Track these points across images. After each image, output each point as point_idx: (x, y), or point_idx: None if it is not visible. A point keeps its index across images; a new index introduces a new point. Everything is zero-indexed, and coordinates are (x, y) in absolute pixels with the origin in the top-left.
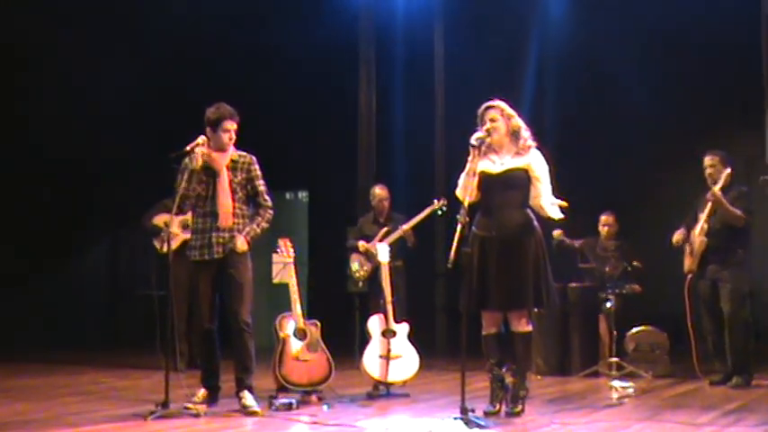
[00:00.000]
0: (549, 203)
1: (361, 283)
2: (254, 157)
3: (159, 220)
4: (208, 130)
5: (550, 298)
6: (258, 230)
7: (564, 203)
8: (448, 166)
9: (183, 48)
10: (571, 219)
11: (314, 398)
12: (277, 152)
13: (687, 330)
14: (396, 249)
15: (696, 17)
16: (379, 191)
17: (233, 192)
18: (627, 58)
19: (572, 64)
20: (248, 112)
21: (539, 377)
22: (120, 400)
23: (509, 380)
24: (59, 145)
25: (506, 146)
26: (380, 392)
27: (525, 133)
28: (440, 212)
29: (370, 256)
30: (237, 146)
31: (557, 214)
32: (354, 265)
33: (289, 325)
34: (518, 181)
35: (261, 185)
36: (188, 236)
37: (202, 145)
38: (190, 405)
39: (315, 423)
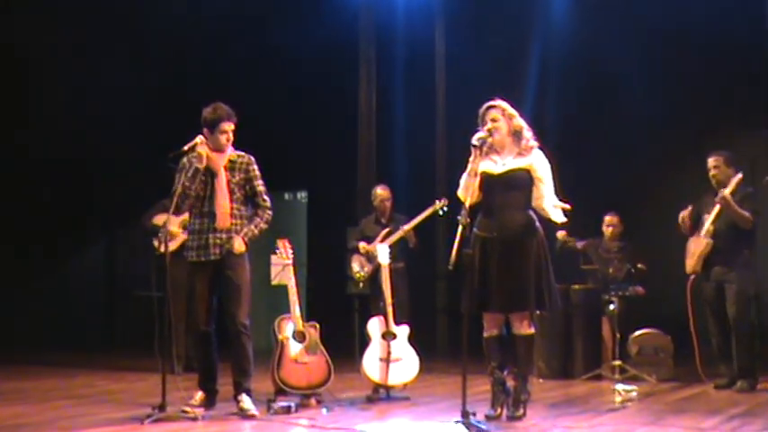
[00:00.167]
0: (551, 206)
1: (361, 285)
2: (252, 157)
3: (159, 219)
4: (205, 130)
5: (553, 300)
6: (256, 231)
7: (567, 206)
8: (449, 167)
9: (182, 47)
10: (573, 220)
11: (313, 401)
12: (276, 152)
13: (690, 333)
14: (397, 250)
15: (698, 16)
16: (380, 191)
17: (231, 192)
18: (629, 58)
19: (573, 63)
20: (247, 112)
21: (541, 380)
22: (115, 404)
23: (511, 383)
24: (57, 145)
25: (508, 146)
26: (380, 396)
27: (527, 133)
28: (441, 213)
29: (370, 257)
30: (236, 145)
31: (559, 217)
32: (355, 266)
33: (287, 327)
34: (520, 182)
35: (259, 186)
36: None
37: (202, 144)
38: (187, 408)
39: (314, 427)
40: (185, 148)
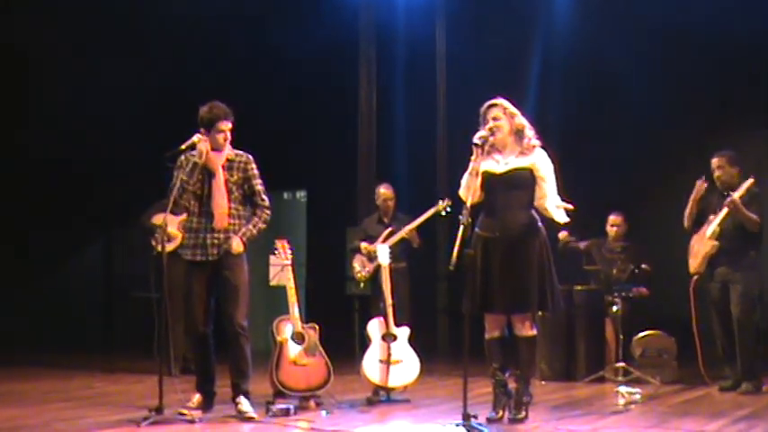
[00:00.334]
0: (553, 206)
1: (362, 284)
2: (250, 157)
3: (158, 219)
4: (202, 130)
5: (555, 301)
6: (254, 231)
7: (569, 206)
8: (449, 166)
9: (182, 46)
10: (576, 220)
11: (312, 403)
12: (275, 151)
13: (692, 333)
14: (398, 250)
15: (699, 16)
16: (384, 190)
17: (229, 192)
18: (630, 58)
19: (575, 63)
20: (246, 111)
21: (543, 382)
22: (112, 406)
23: (512, 385)
24: (55, 144)
25: (510, 145)
26: (380, 398)
27: (529, 132)
28: (444, 213)
29: (372, 257)
30: (234, 144)
31: (561, 218)
32: (356, 266)
33: (286, 328)
34: (522, 181)
35: (258, 185)
36: None
37: (201, 141)
38: (184, 411)
39: (313, 429)
40: (183, 146)
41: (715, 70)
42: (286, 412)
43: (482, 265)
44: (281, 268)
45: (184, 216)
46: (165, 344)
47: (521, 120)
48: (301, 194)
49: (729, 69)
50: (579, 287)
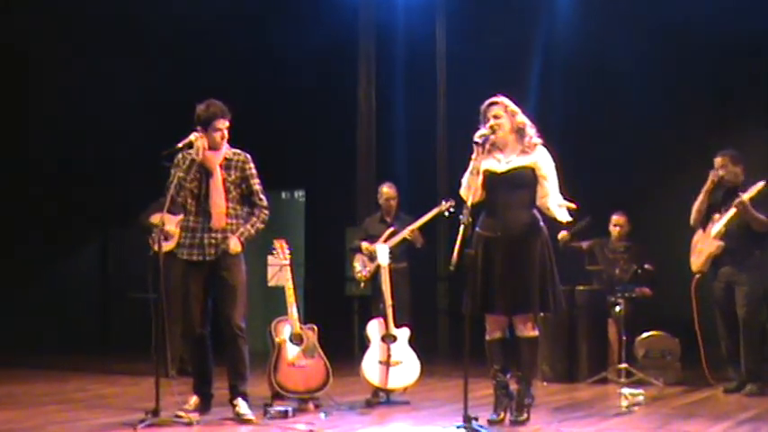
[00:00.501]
0: (555, 205)
1: (362, 284)
2: (248, 156)
3: (156, 218)
4: (199, 128)
5: (557, 301)
6: (252, 231)
7: (572, 205)
8: (450, 165)
9: (181, 46)
10: (578, 220)
11: (311, 405)
12: (273, 150)
13: (695, 334)
14: (399, 251)
15: (702, 15)
16: (387, 189)
17: (226, 191)
18: (633, 56)
19: (576, 62)
20: (244, 109)
21: (545, 384)
22: (108, 408)
23: (514, 387)
24: (53, 144)
25: (511, 144)
26: (380, 400)
27: (531, 130)
28: (447, 214)
29: (373, 256)
30: (232, 143)
31: (564, 216)
32: (357, 266)
33: (284, 329)
34: (524, 180)
35: (256, 184)
36: None
37: (197, 140)
38: (181, 413)
39: None
40: (180, 144)
41: (716, 70)
42: (284, 414)
43: (483, 266)
44: (280, 268)
45: (183, 216)
46: (162, 345)
47: (521, 118)
48: (300, 194)
49: (730, 69)
50: (581, 287)
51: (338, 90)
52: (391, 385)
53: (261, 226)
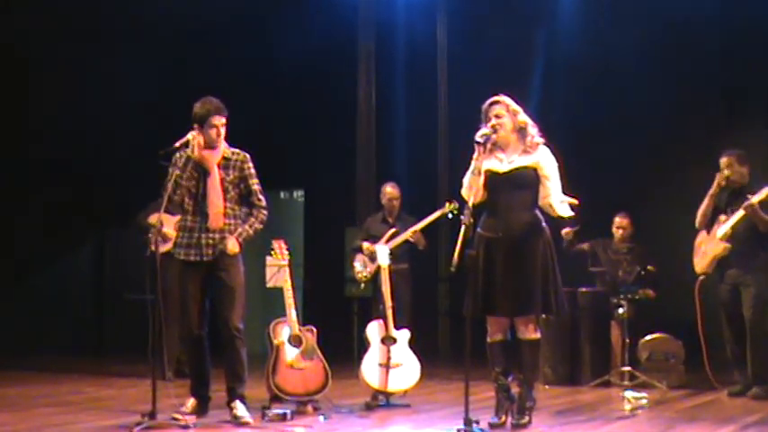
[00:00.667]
0: (558, 201)
1: (362, 285)
2: (247, 155)
3: (155, 218)
4: (195, 126)
5: (559, 303)
6: (251, 232)
7: (574, 201)
8: (451, 165)
9: (180, 45)
10: (581, 221)
11: (309, 408)
12: (272, 149)
13: (698, 336)
14: (401, 252)
15: (706, 15)
16: (390, 189)
17: (224, 191)
18: (636, 55)
19: (579, 60)
20: (242, 107)
21: (546, 387)
22: (103, 411)
23: (515, 390)
24: (51, 144)
25: (513, 143)
26: (380, 403)
27: (532, 130)
28: (450, 216)
29: (374, 257)
30: (231, 142)
31: (566, 212)
32: (357, 266)
33: (283, 331)
34: (526, 180)
35: (254, 184)
36: None
37: (194, 138)
38: (178, 416)
39: None
40: (177, 144)
41: (718, 69)
42: (283, 417)
43: (484, 267)
44: (278, 269)
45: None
46: (159, 347)
47: (523, 117)
48: (299, 194)
49: (733, 69)
50: (584, 289)
51: (338, 89)
52: (391, 388)
53: (259, 226)
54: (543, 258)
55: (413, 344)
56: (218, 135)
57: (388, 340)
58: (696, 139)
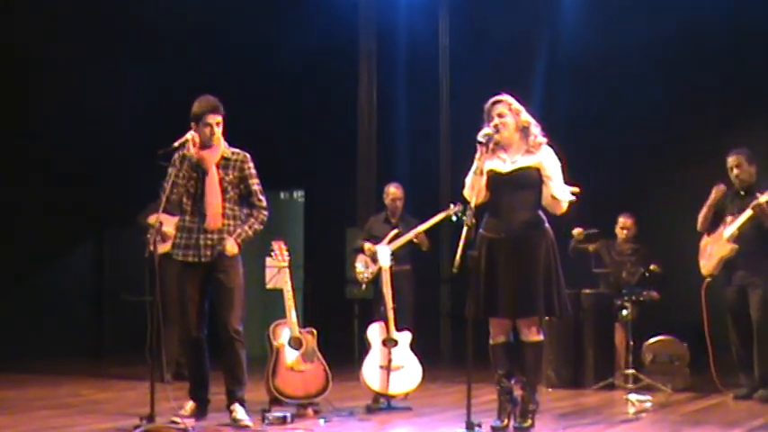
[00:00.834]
0: (559, 189)
1: (364, 286)
2: (247, 155)
3: (154, 219)
4: (192, 125)
5: (562, 305)
6: (250, 232)
7: (575, 189)
8: (453, 165)
9: (180, 45)
10: (583, 221)
11: (310, 411)
12: (272, 149)
13: (704, 338)
14: (403, 253)
15: (707, 15)
16: (393, 189)
17: (223, 191)
18: (641, 53)
19: (583, 58)
20: (243, 107)
21: (550, 390)
22: (101, 414)
23: (518, 392)
24: (50, 144)
25: (516, 143)
26: (381, 405)
27: (535, 129)
28: (454, 218)
29: (375, 257)
30: (231, 142)
31: (566, 196)
32: (359, 266)
33: (283, 333)
34: (529, 180)
35: (255, 185)
36: None
37: (192, 138)
38: (177, 419)
39: None
40: (176, 144)
41: (721, 70)
42: (283, 420)
43: (486, 268)
44: (278, 271)
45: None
46: (158, 349)
47: (526, 116)
48: (299, 194)
49: (736, 68)
50: (588, 290)
51: (338, 89)
52: (392, 390)
53: (259, 227)
54: (546, 259)
55: (414, 346)
56: (212, 133)
57: (389, 342)
58: (696, 139)
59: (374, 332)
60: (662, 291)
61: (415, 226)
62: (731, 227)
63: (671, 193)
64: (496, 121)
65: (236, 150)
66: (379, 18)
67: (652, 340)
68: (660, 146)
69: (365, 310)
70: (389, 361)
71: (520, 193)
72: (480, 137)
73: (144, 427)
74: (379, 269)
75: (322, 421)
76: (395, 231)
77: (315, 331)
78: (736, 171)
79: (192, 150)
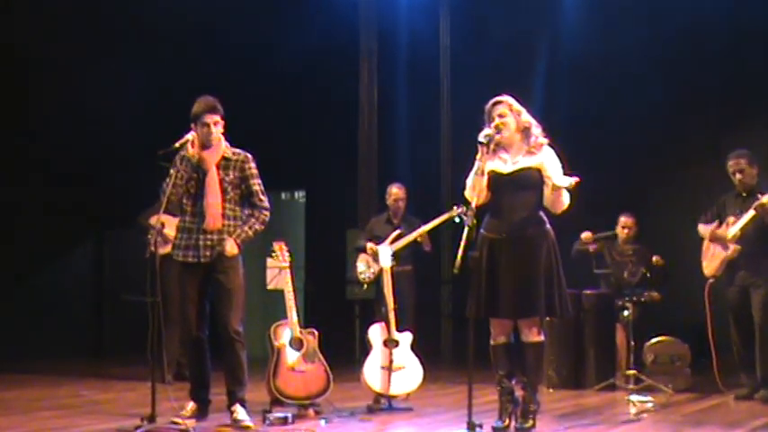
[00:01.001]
0: (558, 177)
1: (365, 286)
2: (249, 155)
3: (155, 219)
4: (192, 125)
5: (563, 305)
6: (250, 233)
7: (576, 179)
8: (454, 166)
9: (180, 45)
10: (585, 221)
11: (311, 412)
12: (272, 149)
13: (708, 340)
14: (405, 254)
15: (710, 15)
16: (396, 190)
17: (223, 191)
18: (641, 53)
19: (583, 58)
20: (243, 107)
21: (551, 390)
22: (102, 414)
23: (519, 393)
24: (49, 143)
25: (517, 143)
26: (382, 406)
27: (536, 130)
28: (457, 220)
29: (377, 257)
30: (232, 143)
31: (564, 182)
32: (361, 266)
33: (284, 334)
34: (530, 181)
35: (256, 185)
36: None
37: (193, 138)
38: (178, 419)
39: None
40: (176, 144)
41: (721, 70)
42: (284, 421)
43: (487, 268)
44: (279, 271)
45: None
46: (159, 349)
47: (527, 117)
48: (300, 195)
49: (735, 69)
50: (589, 291)
51: (339, 89)
52: (393, 391)
53: (259, 227)
54: (547, 260)
55: (415, 346)
56: (210, 133)
57: (390, 343)
58: (696, 139)
59: (375, 333)
60: (665, 284)
61: (418, 226)
62: (734, 227)
63: (671, 193)
64: (497, 121)
65: (238, 151)
66: (380, 18)
67: (653, 341)
68: (660, 146)
69: (366, 310)
70: (390, 361)
71: (521, 193)
72: (481, 137)
73: (145, 428)
74: (381, 269)
75: (323, 422)
76: (397, 232)
77: (316, 332)
78: (738, 176)
79: (191, 151)
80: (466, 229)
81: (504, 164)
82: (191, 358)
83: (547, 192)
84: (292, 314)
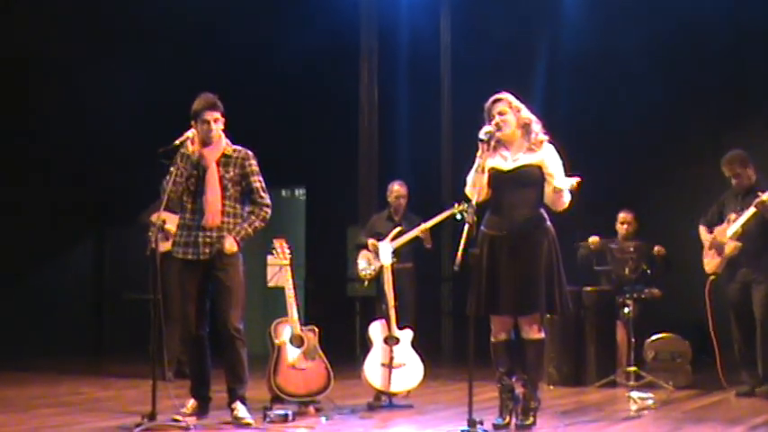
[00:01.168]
0: (560, 179)
1: (366, 283)
2: (250, 152)
3: (156, 217)
4: (192, 123)
5: (564, 302)
6: (250, 230)
7: (578, 179)
8: (455, 163)
9: (181, 44)
10: (585, 219)
11: (311, 409)
12: (273, 147)
13: (710, 337)
14: (406, 251)
15: (710, 14)
16: (397, 187)
17: (223, 188)
18: (642, 52)
19: (584, 56)
20: (243, 107)
21: (551, 387)
22: (102, 412)
23: (519, 390)
24: (49, 143)
25: (517, 141)
26: (382, 403)
27: (536, 126)
28: (459, 217)
29: (378, 254)
30: (233, 140)
31: (566, 184)
32: (361, 263)
33: (284, 331)
34: (531, 178)
35: (256, 182)
36: None
37: (193, 135)
38: (178, 417)
39: None
40: (177, 142)
41: (721, 69)
42: (284, 418)
43: (488, 265)
44: (279, 269)
45: None
46: (159, 347)
47: (527, 114)
48: (300, 192)
49: (735, 69)
50: (589, 288)
51: (340, 87)
52: (394, 388)
53: (259, 225)
54: (548, 257)
55: (416, 344)
56: (210, 130)
57: (390, 340)
58: (696, 139)
59: (376, 330)
60: (667, 274)
61: (418, 224)
62: (734, 225)
63: (671, 192)
64: (498, 118)
65: (238, 148)
66: (381, 17)
67: (654, 337)
68: (660, 145)
69: (367, 307)
70: (391, 359)
71: (521, 190)
72: (482, 134)
73: (145, 425)
74: (381, 266)
75: (323, 419)
76: (398, 229)
77: (316, 329)
78: (734, 181)
79: (191, 148)
80: (466, 227)
81: (505, 161)
82: (191, 356)
83: (548, 190)
84: (293, 311)
